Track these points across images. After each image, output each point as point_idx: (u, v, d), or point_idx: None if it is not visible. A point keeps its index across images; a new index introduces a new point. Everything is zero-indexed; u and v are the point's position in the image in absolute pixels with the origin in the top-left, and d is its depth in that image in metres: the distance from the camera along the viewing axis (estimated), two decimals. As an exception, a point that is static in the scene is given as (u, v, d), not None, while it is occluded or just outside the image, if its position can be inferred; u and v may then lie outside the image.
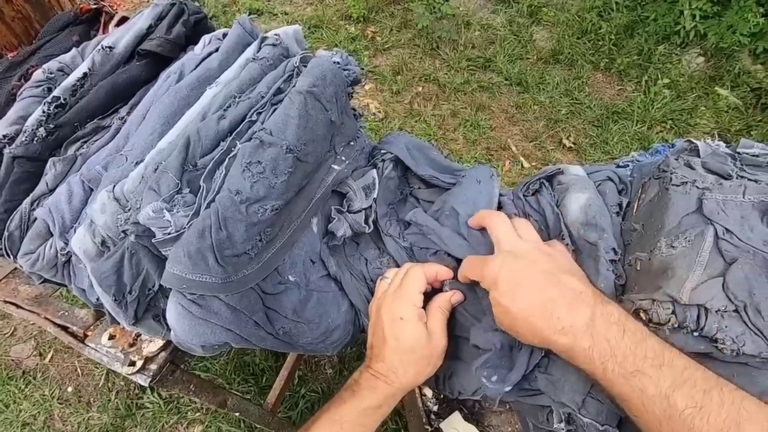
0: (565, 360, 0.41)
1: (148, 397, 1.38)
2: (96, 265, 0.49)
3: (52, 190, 0.55)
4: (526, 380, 0.46)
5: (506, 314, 0.42)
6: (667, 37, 2.32)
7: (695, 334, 0.40)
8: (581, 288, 0.41)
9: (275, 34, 0.59)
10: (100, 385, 1.43)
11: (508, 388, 0.44)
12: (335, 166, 0.60)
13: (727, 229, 0.42)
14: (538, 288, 0.41)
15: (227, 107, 0.53)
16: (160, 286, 0.50)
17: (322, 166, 0.58)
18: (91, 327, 0.88)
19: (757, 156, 0.51)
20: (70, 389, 1.43)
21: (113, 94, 0.57)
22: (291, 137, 0.50)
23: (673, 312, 0.40)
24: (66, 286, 0.57)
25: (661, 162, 0.51)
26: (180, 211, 0.46)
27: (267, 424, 1.10)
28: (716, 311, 0.39)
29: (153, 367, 0.82)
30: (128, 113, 0.57)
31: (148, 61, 0.60)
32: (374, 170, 0.61)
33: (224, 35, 0.62)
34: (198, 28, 0.65)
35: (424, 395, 0.76)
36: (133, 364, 0.82)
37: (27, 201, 0.55)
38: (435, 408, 0.74)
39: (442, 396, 0.73)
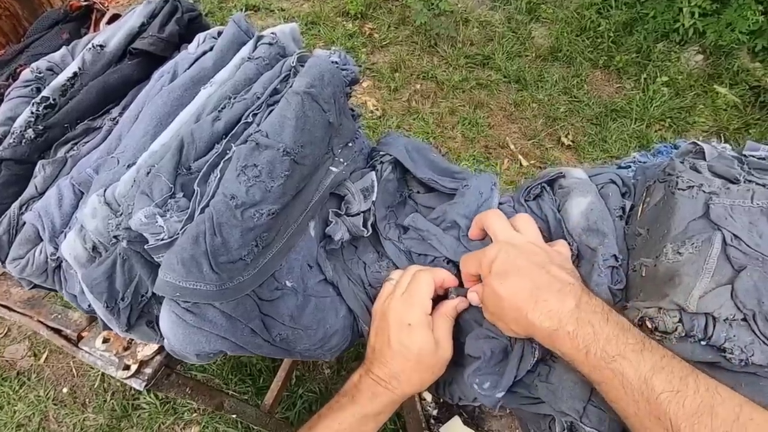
0: (548, 347, 0.42)
1: (144, 398, 1.37)
2: (87, 271, 0.48)
3: (41, 194, 0.53)
4: (527, 388, 0.45)
5: (495, 299, 0.43)
6: (666, 35, 2.31)
7: (703, 343, 0.39)
8: (570, 280, 0.42)
9: (271, 33, 0.57)
10: (95, 386, 1.41)
11: (500, 395, 0.44)
12: (333, 168, 0.59)
13: (735, 236, 0.41)
14: (528, 276, 0.42)
15: (222, 108, 0.51)
16: (154, 292, 0.49)
17: (319, 168, 0.57)
18: (85, 330, 0.87)
19: (764, 159, 0.50)
20: (65, 390, 1.42)
21: (104, 95, 0.55)
22: (288, 139, 0.49)
23: (680, 320, 0.40)
24: (57, 291, 0.56)
25: (666, 165, 0.50)
26: (173, 216, 0.45)
27: (264, 425, 1.09)
28: (724, 320, 0.38)
29: (148, 371, 0.81)
30: (120, 114, 0.55)
31: (141, 60, 0.58)
32: (373, 172, 0.60)
33: (219, 33, 0.61)
34: (192, 26, 0.63)
35: (424, 399, 0.75)
36: (127, 368, 0.81)
37: (15, 205, 0.53)
38: (434, 412, 0.74)
39: (441, 400, 0.72)
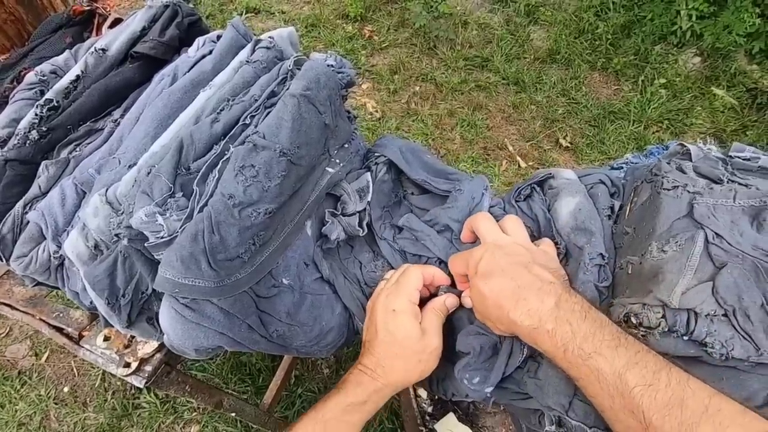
0: (530, 344, 0.43)
1: (145, 397, 1.38)
2: (89, 268, 0.49)
3: (44, 194, 0.54)
4: (516, 384, 0.46)
5: (481, 298, 0.45)
6: (663, 37, 2.32)
7: (685, 338, 0.40)
8: (551, 279, 0.43)
9: (269, 37, 0.58)
10: (96, 385, 1.43)
11: (489, 389, 0.45)
12: (329, 169, 0.60)
13: (717, 234, 0.42)
14: (511, 276, 0.43)
15: (221, 110, 0.53)
16: (154, 289, 0.50)
17: (316, 168, 0.58)
18: (86, 328, 0.88)
19: (749, 159, 0.51)
20: (66, 389, 1.43)
21: (106, 97, 0.57)
22: (284, 141, 0.50)
23: (664, 316, 0.41)
24: (59, 289, 0.57)
25: (653, 165, 0.52)
26: (173, 215, 0.46)
27: (263, 424, 1.10)
28: (706, 315, 0.39)
29: (148, 368, 0.82)
30: (121, 116, 0.57)
31: (142, 64, 0.60)
32: (368, 173, 0.61)
33: (218, 37, 0.62)
34: (192, 29, 0.65)
35: (419, 396, 0.76)
36: (128, 365, 0.82)
37: (19, 204, 0.55)
38: (429, 409, 0.75)
39: (436, 397, 0.73)
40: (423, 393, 0.76)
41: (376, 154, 0.64)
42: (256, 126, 0.52)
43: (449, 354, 0.55)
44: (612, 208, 0.53)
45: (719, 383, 0.40)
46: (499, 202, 0.56)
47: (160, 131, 0.52)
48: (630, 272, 0.46)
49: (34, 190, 0.54)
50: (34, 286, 0.57)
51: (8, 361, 1.49)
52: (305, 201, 0.57)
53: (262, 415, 1.08)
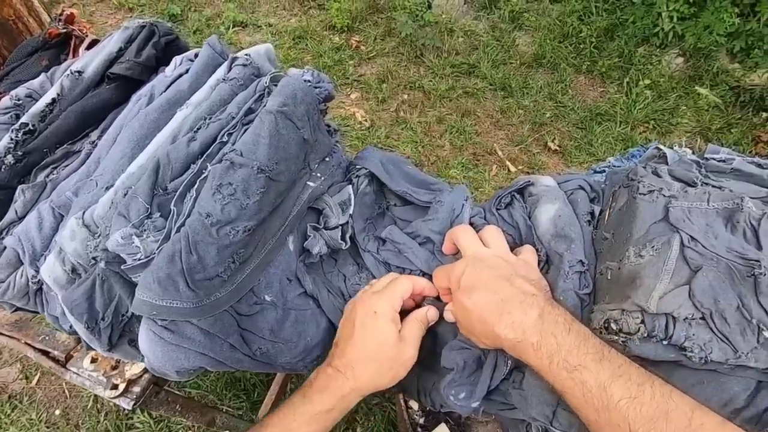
0: (515, 357, 0.43)
1: (138, 417, 1.36)
2: (67, 293, 0.48)
3: (21, 218, 0.54)
4: (503, 395, 0.46)
5: (464, 313, 0.45)
6: (646, 39, 2.36)
7: (664, 342, 0.40)
8: (533, 291, 0.43)
9: (245, 54, 0.59)
10: (88, 407, 1.40)
11: (475, 404, 0.45)
12: (310, 183, 0.60)
13: (692, 237, 0.42)
14: (493, 289, 0.44)
15: (198, 129, 0.53)
16: (133, 311, 0.50)
17: (296, 183, 0.58)
18: (73, 350, 0.87)
19: (723, 161, 0.51)
20: (57, 412, 1.41)
21: (83, 119, 0.57)
22: (262, 157, 0.50)
23: (643, 321, 0.41)
24: (39, 313, 0.56)
25: (630, 170, 0.52)
26: (150, 236, 0.46)
27: (257, 441, 1.09)
28: (684, 319, 0.39)
29: (136, 389, 0.81)
30: (99, 137, 0.57)
31: (119, 84, 0.59)
32: (350, 186, 0.61)
33: (196, 56, 0.62)
34: (170, 48, 0.65)
35: (410, 408, 0.75)
36: (115, 387, 0.81)
37: (-4, 229, 0.54)
38: (421, 421, 0.74)
39: (428, 408, 0.73)
40: (414, 405, 0.75)
41: (357, 166, 0.64)
42: (233, 144, 0.52)
43: (435, 365, 0.54)
44: (592, 213, 0.54)
45: (700, 387, 0.40)
46: (480, 212, 0.56)
47: (137, 152, 0.52)
48: (609, 278, 0.46)
49: (10, 215, 0.54)
50: (14, 311, 0.56)
51: (-2, 385, 1.46)
52: (286, 216, 0.56)
53: (256, 432, 1.07)
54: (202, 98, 0.55)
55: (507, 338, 0.41)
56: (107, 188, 0.51)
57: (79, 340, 0.84)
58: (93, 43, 0.66)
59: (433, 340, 0.55)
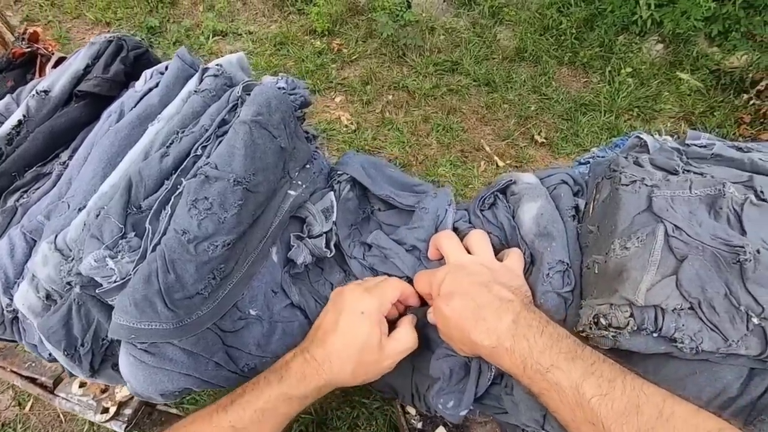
0: (493, 363, 0.43)
1: (136, 438, 1.34)
2: (42, 320, 0.47)
3: (-8, 245, 0.52)
4: (496, 400, 0.45)
5: (443, 319, 0.45)
6: (626, 27, 2.37)
7: (654, 335, 0.39)
8: (510, 297, 0.43)
9: (216, 65, 0.57)
10: (84, 430, 1.38)
11: (463, 413, 0.44)
12: (291, 192, 0.59)
13: (676, 226, 0.42)
14: (471, 296, 0.44)
15: (170, 144, 0.51)
16: (113, 335, 0.48)
17: (277, 193, 0.57)
18: (63, 374, 0.85)
19: (705, 146, 0.51)
20: (52, 438, 1.38)
21: (52, 139, 0.55)
22: (238, 169, 0.49)
23: (631, 315, 0.40)
24: (17, 342, 0.55)
25: (612, 161, 0.52)
26: (125, 257, 0.45)
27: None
28: (672, 310, 0.39)
29: (127, 411, 0.80)
30: (69, 157, 0.55)
31: (88, 102, 0.58)
32: (332, 192, 0.60)
33: (167, 68, 0.61)
34: (140, 62, 0.63)
35: (408, 413, 0.74)
36: (106, 410, 0.79)
37: (-32, 258, 0.52)
38: (419, 425, 0.73)
39: (424, 413, 0.72)
40: (412, 410, 0.74)
41: (338, 172, 0.63)
42: (208, 157, 0.51)
43: (427, 367, 0.53)
44: (576, 207, 0.53)
45: (693, 377, 0.39)
46: (464, 215, 0.56)
47: (108, 170, 0.51)
48: (596, 272, 0.45)
49: (-19, 242, 0.52)
50: (-8, 342, 0.54)
51: (-10, 414, 1.43)
52: (268, 227, 0.55)
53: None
54: (174, 112, 0.54)
55: (483, 345, 0.41)
56: (80, 210, 0.49)
57: (66, 365, 0.82)
58: (60, 61, 0.64)
59: (427, 345, 0.54)
